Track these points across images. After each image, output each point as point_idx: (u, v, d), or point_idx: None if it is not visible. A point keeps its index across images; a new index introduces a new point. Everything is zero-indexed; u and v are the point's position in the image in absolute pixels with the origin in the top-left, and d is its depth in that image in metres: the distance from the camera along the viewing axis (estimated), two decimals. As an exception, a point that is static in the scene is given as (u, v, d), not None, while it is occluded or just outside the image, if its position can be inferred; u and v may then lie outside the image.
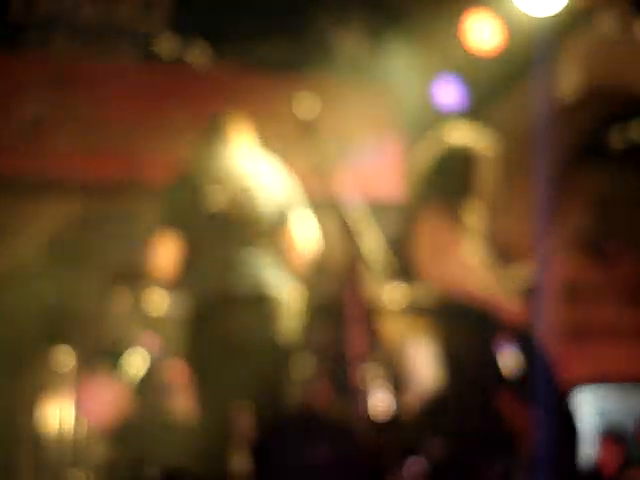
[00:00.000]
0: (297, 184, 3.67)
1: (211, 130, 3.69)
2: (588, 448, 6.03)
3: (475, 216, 3.41)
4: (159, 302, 4.59)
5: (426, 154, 3.58)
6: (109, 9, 5.93)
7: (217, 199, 3.39)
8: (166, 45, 5.92)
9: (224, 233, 3.37)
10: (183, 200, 3.44)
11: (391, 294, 3.55)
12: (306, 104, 3.12)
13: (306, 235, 3.56)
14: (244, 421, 3.50)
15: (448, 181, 3.43)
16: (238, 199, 3.41)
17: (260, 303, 3.30)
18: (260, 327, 3.27)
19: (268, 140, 5.70)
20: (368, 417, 3.13)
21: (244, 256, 3.35)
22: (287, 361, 3.40)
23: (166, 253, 3.39)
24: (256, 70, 6.13)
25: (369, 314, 4.38)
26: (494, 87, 5.94)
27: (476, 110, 6.13)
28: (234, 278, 3.30)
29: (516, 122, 5.94)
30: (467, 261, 3.26)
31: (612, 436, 5.51)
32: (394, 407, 3.60)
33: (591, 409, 7.30)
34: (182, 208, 3.43)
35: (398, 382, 3.75)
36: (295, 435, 3.28)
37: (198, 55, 6.02)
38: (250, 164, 3.57)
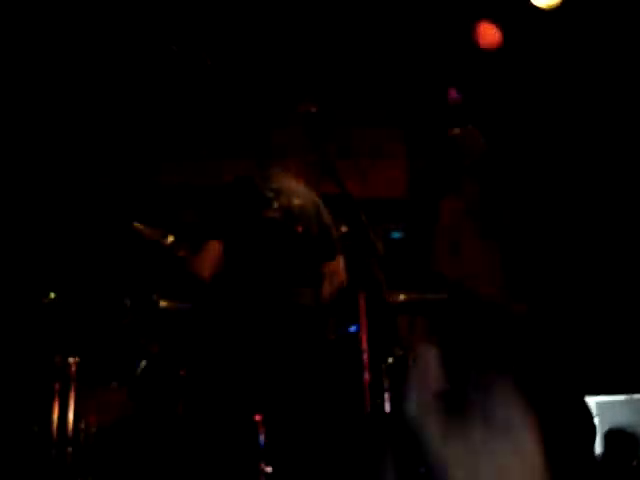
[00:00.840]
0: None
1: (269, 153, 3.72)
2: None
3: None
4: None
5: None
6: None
7: (274, 205, 3.40)
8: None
9: (273, 241, 3.36)
10: (238, 203, 3.45)
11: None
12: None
13: (339, 271, 3.58)
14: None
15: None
16: (293, 212, 3.43)
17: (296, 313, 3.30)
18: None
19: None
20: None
21: (286, 268, 3.34)
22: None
23: (211, 255, 3.38)
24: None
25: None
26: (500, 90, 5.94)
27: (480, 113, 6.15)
28: (275, 289, 3.30)
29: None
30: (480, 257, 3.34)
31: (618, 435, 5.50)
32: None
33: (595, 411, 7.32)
34: (236, 211, 3.43)
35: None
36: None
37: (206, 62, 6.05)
38: (302, 189, 3.61)
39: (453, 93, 5.63)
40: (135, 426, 4.06)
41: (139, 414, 4.13)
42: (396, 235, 5.27)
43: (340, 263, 3.61)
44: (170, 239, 3.68)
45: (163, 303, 4.69)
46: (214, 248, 3.37)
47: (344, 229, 2.88)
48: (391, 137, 6.22)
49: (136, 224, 4.01)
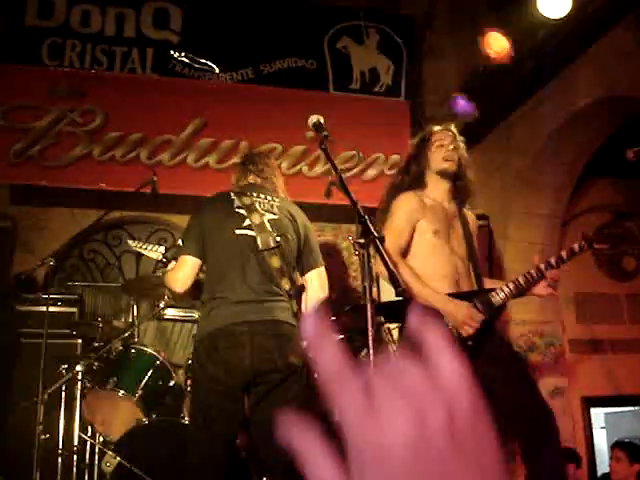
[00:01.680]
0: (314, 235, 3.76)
1: (247, 164, 3.76)
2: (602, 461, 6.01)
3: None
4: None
5: None
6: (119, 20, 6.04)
7: (245, 223, 3.44)
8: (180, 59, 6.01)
9: (245, 259, 3.38)
10: (213, 219, 3.48)
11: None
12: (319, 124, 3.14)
13: (318, 289, 3.61)
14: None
15: None
16: (265, 227, 3.46)
17: (274, 327, 3.30)
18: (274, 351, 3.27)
19: (286, 156, 5.89)
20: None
21: (260, 286, 3.35)
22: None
23: (187, 270, 3.41)
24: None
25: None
26: (508, 100, 5.95)
27: (491, 123, 6.16)
28: (250, 304, 3.31)
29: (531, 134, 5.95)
30: None
31: (624, 448, 5.47)
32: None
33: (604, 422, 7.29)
34: (212, 226, 3.46)
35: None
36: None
37: (213, 71, 6.10)
38: (280, 205, 3.62)
39: (462, 103, 5.63)
40: (142, 435, 4.06)
41: (146, 423, 4.13)
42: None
43: (322, 275, 3.65)
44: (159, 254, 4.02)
45: (168, 312, 4.71)
46: (188, 263, 3.41)
47: (352, 239, 2.87)
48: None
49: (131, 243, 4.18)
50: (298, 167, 5.96)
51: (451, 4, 6.56)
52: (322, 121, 3.15)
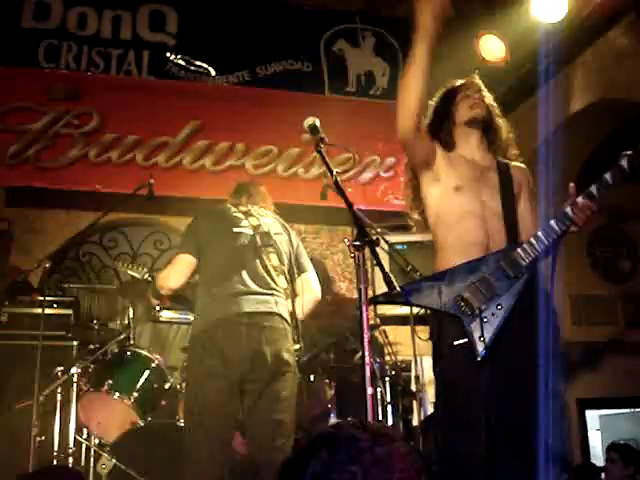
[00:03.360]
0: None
1: (240, 192, 3.84)
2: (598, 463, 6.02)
3: None
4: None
5: None
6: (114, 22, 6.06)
7: (243, 223, 3.56)
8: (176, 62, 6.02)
9: (244, 255, 3.47)
10: (209, 221, 3.60)
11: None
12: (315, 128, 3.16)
13: (311, 289, 3.71)
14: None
15: None
16: (262, 229, 3.58)
17: (271, 320, 3.36)
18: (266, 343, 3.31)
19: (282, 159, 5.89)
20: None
21: (257, 280, 3.43)
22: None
23: (182, 267, 3.49)
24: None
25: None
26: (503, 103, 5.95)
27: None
28: (248, 295, 3.37)
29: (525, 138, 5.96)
30: None
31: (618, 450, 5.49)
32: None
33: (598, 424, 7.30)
34: (209, 226, 3.56)
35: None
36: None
37: (209, 74, 6.11)
38: (274, 217, 3.77)
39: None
40: (137, 437, 4.06)
41: (141, 425, 4.13)
42: (401, 247, 5.28)
43: (313, 281, 3.72)
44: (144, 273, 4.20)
45: (164, 314, 4.71)
46: (183, 261, 3.49)
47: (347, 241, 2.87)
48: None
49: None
50: (294, 169, 5.96)
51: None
52: (318, 123, 3.15)
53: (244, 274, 3.41)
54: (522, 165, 3.33)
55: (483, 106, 3.27)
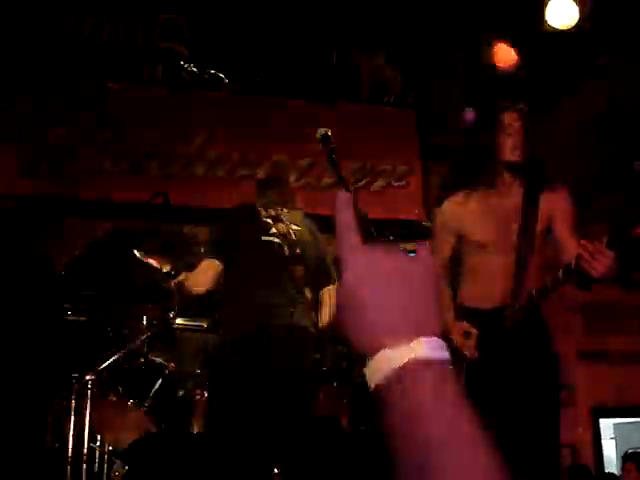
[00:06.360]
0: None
1: (267, 184, 3.84)
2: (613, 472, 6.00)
3: None
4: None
5: None
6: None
7: (272, 231, 3.52)
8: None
9: (271, 265, 3.46)
10: (238, 226, 3.57)
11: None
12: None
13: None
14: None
15: None
16: (290, 237, 3.54)
17: (293, 334, 3.36)
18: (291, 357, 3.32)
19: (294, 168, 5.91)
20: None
21: (283, 292, 3.42)
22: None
23: (210, 275, 3.47)
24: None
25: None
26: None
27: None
28: (272, 309, 3.37)
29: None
30: None
31: (633, 460, 5.47)
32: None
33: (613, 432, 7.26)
34: (237, 233, 3.55)
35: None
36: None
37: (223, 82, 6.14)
38: (302, 220, 3.72)
39: (470, 115, 5.65)
40: (151, 445, 4.08)
41: (154, 433, 4.15)
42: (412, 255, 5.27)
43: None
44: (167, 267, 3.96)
45: (178, 321, 4.73)
46: (211, 266, 3.47)
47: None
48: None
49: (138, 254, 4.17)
50: (306, 179, 5.98)
51: (459, 15, 6.58)
52: (330, 133, 3.16)
53: (270, 285, 3.41)
54: (557, 189, 3.21)
55: (523, 149, 3.12)
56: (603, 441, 6.81)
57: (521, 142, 3.11)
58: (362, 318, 0.73)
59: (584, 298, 6.82)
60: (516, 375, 3.04)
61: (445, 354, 0.71)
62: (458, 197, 3.27)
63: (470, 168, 3.26)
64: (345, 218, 0.78)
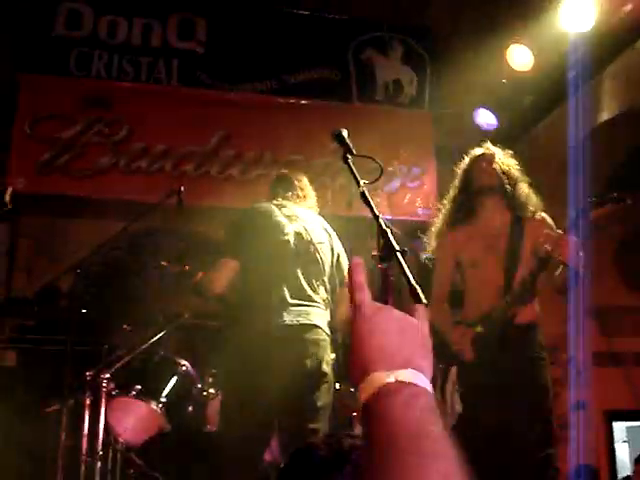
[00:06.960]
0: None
1: (282, 183, 3.87)
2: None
3: None
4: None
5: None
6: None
7: (287, 230, 3.54)
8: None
9: (286, 264, 3.48)
10: (253, 226, 3.58)
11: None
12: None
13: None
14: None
15: None
16: (305, 237, 3.57)
17: (311, 332, 3.39)
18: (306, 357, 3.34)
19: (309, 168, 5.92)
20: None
21: (298, 291, 3.45)
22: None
23: (227, 275, 3.49)
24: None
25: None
26: (532, 112, 5.96)
27: (515, 135, 6.15)
28: (286, 311, 3.39)
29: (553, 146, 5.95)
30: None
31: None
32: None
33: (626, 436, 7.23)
34: (253, 232, 3.55)
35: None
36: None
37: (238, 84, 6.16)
38: (317, 220, 3.76)
39: (485, 115, 5.64)
40: (165, 442, 4.09)
41: (169, 430, 4.16)
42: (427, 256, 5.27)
43: None
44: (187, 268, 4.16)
45: (193, 320, 4.75)
46: (229, 266, 3.49)
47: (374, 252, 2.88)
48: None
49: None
50: (320, 179, 5.99)
51: (475, 17, 6.58)
52: (345, 134, 3.16)
53: (285, 285, 3.43)
54: (539, 217, 3.72)
55: (494, 174, 3.67)
56: (616, 444, 6.78)
57: (489, 170, 3.68)
58: (366, 353, 0.98)
59: (597, 301, 6.80)
60: (506, 375, 3.37)
61: (425, 382, 0.95)
62: (450, 237, 3.77)
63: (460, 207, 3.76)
64: (358, 279, 1.06)
